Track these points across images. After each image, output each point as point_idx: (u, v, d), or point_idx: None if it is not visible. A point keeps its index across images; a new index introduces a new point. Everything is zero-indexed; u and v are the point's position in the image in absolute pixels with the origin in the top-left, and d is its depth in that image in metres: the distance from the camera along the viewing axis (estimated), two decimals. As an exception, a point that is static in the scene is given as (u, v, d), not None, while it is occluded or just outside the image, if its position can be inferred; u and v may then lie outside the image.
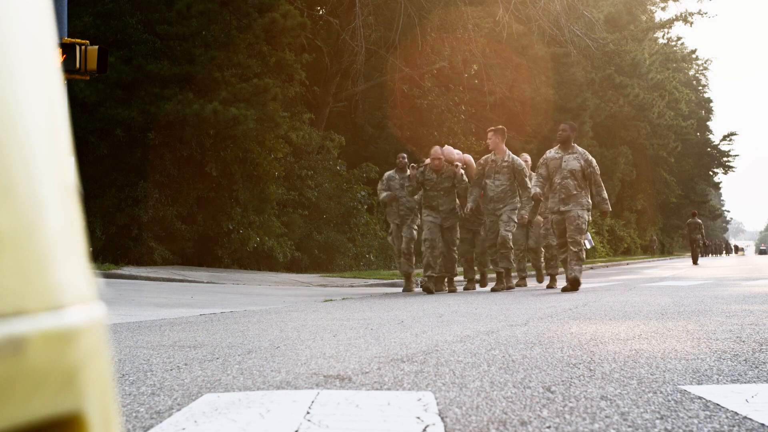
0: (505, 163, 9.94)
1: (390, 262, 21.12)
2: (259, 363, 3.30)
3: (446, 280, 10.52)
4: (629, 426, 1.97)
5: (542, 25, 25.59)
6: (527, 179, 9.99)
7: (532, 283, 12.06)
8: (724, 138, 69.11)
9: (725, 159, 68.92)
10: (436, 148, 10.16)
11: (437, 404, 2.29)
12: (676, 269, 21.40)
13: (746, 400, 2.27)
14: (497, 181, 9.91)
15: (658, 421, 2.01)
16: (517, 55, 28.40)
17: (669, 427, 1.94)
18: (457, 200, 10.18)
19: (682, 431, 1.91)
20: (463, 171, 9.96)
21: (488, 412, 2.18)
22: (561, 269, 10.55)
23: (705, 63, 75.66)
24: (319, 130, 22.45)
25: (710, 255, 73.29)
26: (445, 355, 3.43)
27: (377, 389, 2.58)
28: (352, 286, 13.55)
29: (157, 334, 4.72)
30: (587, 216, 9.31)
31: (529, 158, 11.26)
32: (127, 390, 2.69)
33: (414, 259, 10.76)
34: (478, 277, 11.58)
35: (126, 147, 16.59)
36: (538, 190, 9.35)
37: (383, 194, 10.73)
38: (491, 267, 10.68)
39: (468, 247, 10.80)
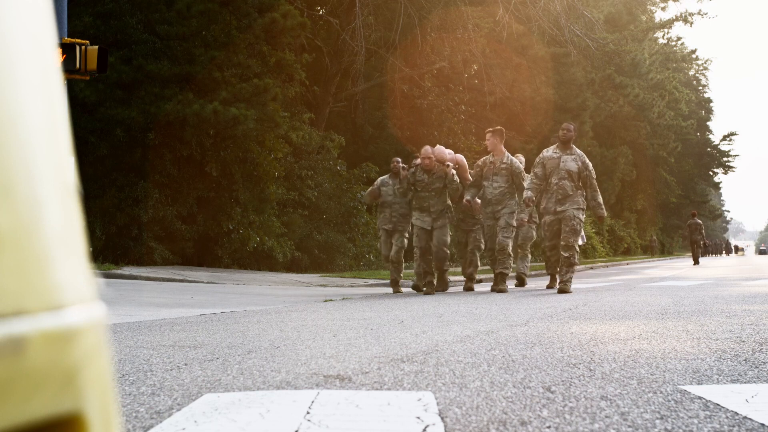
0: (503, 165, 9.78)
1: (390, 262, 21.11)
2: (259, 363, 3.30)
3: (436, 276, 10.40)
4: (629, 426, 1.97)
5: (542, 25, 25.58)
6: (524, 182, 9.87)
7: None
8: (724, 138, 69.11)
9: (725, 159, 68.93)
10: (427, 147, 9.91)
11: (437, 404, 2.29)
12: (676, 269, 21.40)
13: (746, 400, 2.27)
14: (495, 183, 9.75)
15: (658, 421, 2.01)
16: (517, 55, 28.39)
17: (669, 427, 1.94)
18: (449, 201, 9.97)
19: (682, 431, 1.91)
20: (454, 171, 9.78)
21: (488, 412, 2.18)
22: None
23: (705, 63, 75.71)
24: (319, 130, 22.44)
25: (710, 255, 73.24)
26: (445, 355, 3.43)
27: (377, 389, 2.58)
28: (352, 286, 13.55)
29: (157, 334, 4.72)
30: (582, 216, 9.25)
31: (523, 159, 11.06)
32: (127, 390, 2.69)
33: (402, 266, 10.73)
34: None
35: (126, 147, 16.59)
36: (530, 194, 9.17)
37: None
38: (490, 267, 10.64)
39: (463, 249, 10.76)
